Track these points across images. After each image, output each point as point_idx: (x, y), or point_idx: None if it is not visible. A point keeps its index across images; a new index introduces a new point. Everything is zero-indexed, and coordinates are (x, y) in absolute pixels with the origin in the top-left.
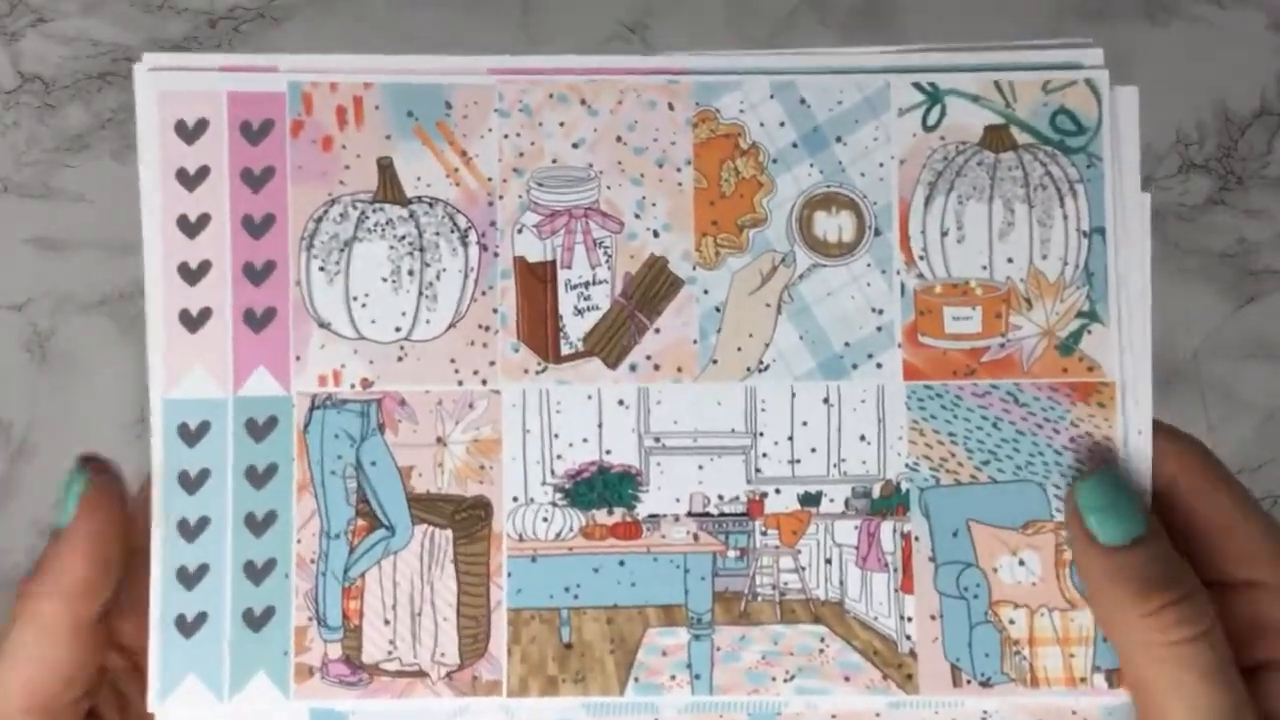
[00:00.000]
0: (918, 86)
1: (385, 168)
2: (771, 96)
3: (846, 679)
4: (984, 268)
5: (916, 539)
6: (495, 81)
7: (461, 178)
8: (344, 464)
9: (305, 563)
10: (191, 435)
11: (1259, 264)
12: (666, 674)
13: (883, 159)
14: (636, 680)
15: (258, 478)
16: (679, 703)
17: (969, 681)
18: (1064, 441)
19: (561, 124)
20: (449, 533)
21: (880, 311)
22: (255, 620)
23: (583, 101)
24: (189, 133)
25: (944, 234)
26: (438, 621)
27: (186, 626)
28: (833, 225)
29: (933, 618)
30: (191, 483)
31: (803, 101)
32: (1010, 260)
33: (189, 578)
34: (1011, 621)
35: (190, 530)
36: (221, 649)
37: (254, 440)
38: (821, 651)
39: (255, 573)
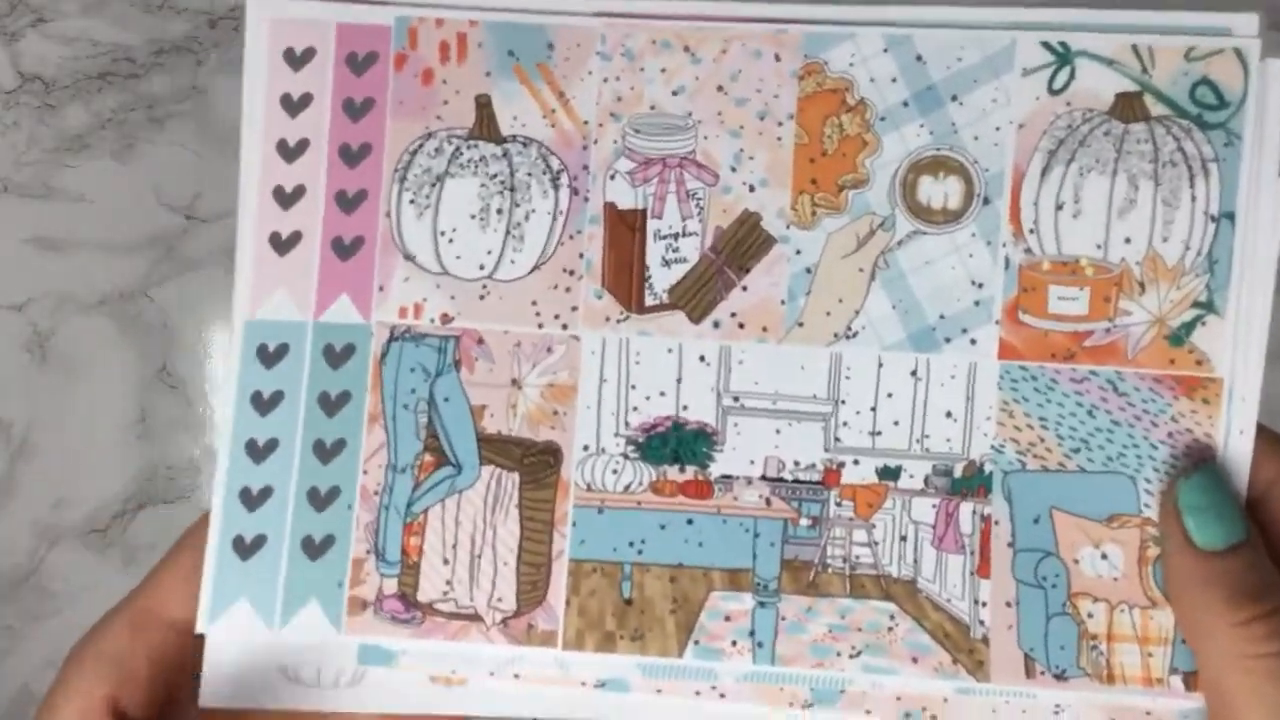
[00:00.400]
0: (1046, 46)
1: (483, 105)
2: (885, 50)
3: (914, 660)
4: (1098, 246)
5: (996, 522)
6: (600, 24)
7: (558, 119)
8: (417, 398)
9: (369, 494)
10: (270, 357)
11: None
12: (728, 639)
13: (1000, 123)
14: (696, 643)
15: (330, 404)
16: (739, 671)
17: (1042, 673)
18: (1161, 436)
19: (663, 70)
20: (516, 476)
21: (980, 285)
22: (314, 548)
23: (686, 48)
24: (296, 60)
25: (1059, 207)
26: (497, 566)
27: (244, 548)
28: (938, 191)
29: (1008, 604)
30: (265, 404)
31: (919, 58)
32: (1128, 240)
33: (251, 499)
34: (1090, 615)
35: (258, 451)
36: (277, 574)
37: (330, 367)
38: (890, 630)
39: (318, 500)
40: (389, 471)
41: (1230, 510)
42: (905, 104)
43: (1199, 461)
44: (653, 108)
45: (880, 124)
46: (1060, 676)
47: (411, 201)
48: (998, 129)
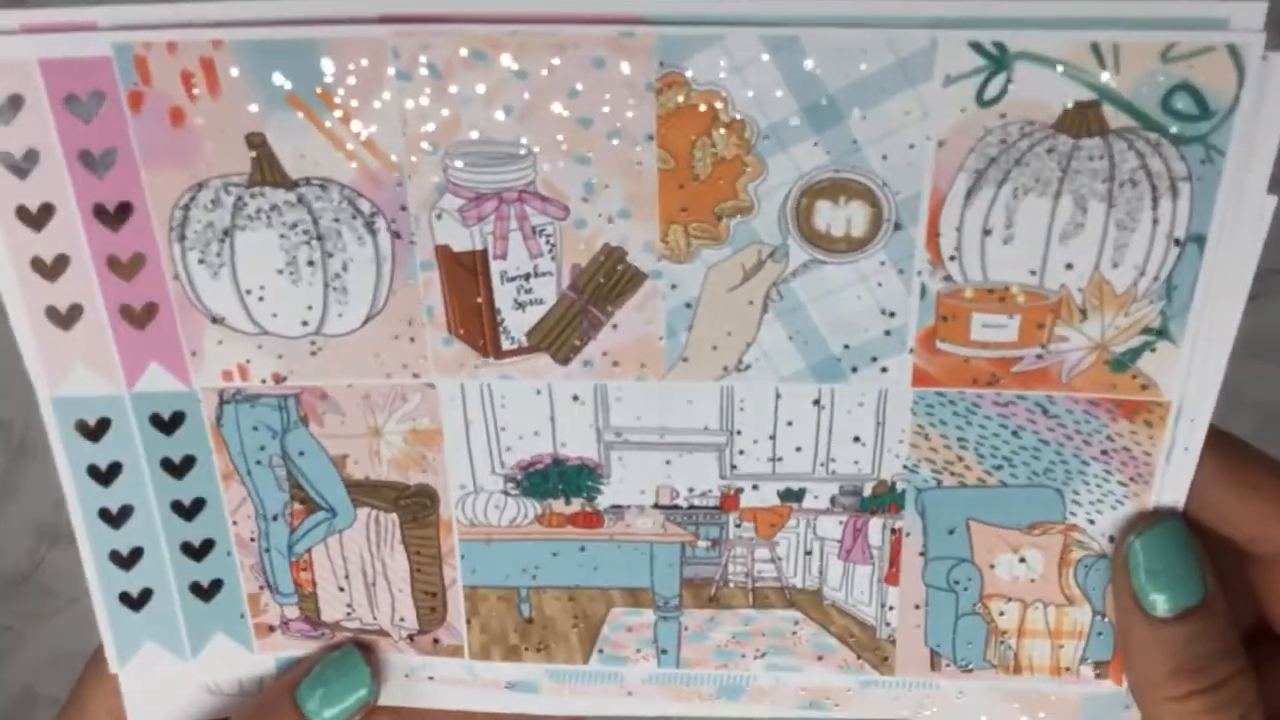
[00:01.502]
0: (977, 48)
1: (258, 145)
2: (764, 55)
3: (819, 658)
4: (1032, 272)
5: (907, 534)
6: (386, 33)
7: (357, 154)
8: (269, 454)
9: (245, 541)
10: (92, 431)
11: (1259, 264)
12: (632, 648)
13: (915, 139)
14: (601, 652)
15: (175, 468)
16: (645, 673)
17: (948, 666)
18: (1094, 453)
19: (481, 88)
20: (394, 516)
21: (892, 315)
22: (204, 592)
23: (506, 59)
24: (3, 111)
25: (987, 232)
26: (393, 592)
27: (133, 601)
28: (839, 217)
29: (916, 607)
30: (104, 475)
31: (809, 64)
32: (1069, 266)
33: (124, 560)
34: (1001, 613)
35: (114, 518)
36: (175, 617)
37: (163, 434)
38: (794, 634)
39: (194, 551)
40: (260, 520)
41: (1185, 572)
42: (795, 119)
43: (1155, 520)
44: (476, 135)
45: (764, 144)
46: (966, 669)
47: (201, 261)
48: (911, 147)
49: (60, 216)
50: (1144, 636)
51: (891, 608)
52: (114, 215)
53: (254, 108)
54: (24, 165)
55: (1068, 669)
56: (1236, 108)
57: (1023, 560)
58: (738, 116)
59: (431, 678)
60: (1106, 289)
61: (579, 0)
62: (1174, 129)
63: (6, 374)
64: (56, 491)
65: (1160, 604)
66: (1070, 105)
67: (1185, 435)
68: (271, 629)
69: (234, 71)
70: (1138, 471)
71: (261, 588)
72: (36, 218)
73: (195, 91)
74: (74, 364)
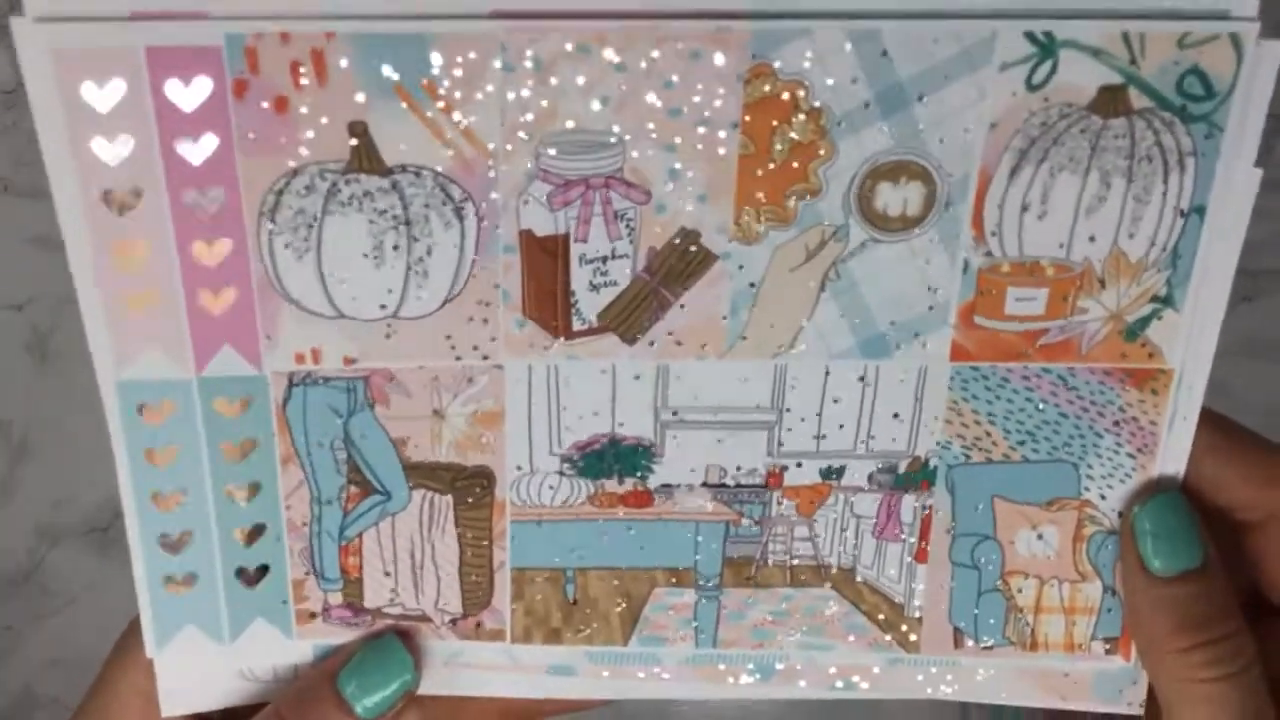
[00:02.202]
0: (1030, 37)
1: (360, 134)
2: (847, 47)
3: (850, 638)
4: (1061, 245)
5: (937, 512)
6: (496, 28)
7: (455, 144)
8: (331, 437)
9: (297, 526)
10: (154, 415)
11: (1259, 264)
12: (672, 628)
13: (970, 123)
14: (641, 634)
15: (235, 452)
16: (682, 655)
17: (969, 643)
18: (1107, 425)
19: (581, 80)
20: (449, 498)
21: (935, 290)
22: (249, 577)
23: (609, 52)
24: (100, 98)
25: (1025, 209)
26: (440, 576)
27: (177, 584)
28: (897, 198)
29: (942, 586)
30: (159, 458)
31: (884, 53)
32: (1092, 239)
33: (172, 545)
34: (1020, 590)
35: (166, 501)
36: (217, 601)
37: (226, 417)
38: (827, 613)
39: (245, 536)
40: (314, 504)
41: (1185, 537)
42: (866, 105)
43: (1159, 488)
44: (571, 125)
45: (837, 129)
46: (985, 647)
47: (287, 245)
48: (966, 131)
49: (148, 200)
50: (1149, 596)
51: (920, 586)
52: (205, 200)
53: (360, 97)
54: (118, 150)
55: (1080, 645)
56: (1235, 88)
57: (1040, 537)
58: (817, 104)
59: (470, 664)
60: (1123, 260)
61: (681, 0)
62: (1185, 107)
63: (6, 374)
64: (56, 491)
65: (1163, 565)
66: (1102, 88)
67: (1185, 404)
68: (313, 616)
69: (343, 62)
70: (1145, 442)
71: (307, 574)
72: (123, 201)
73: (303, 81)
74: (143, 347)
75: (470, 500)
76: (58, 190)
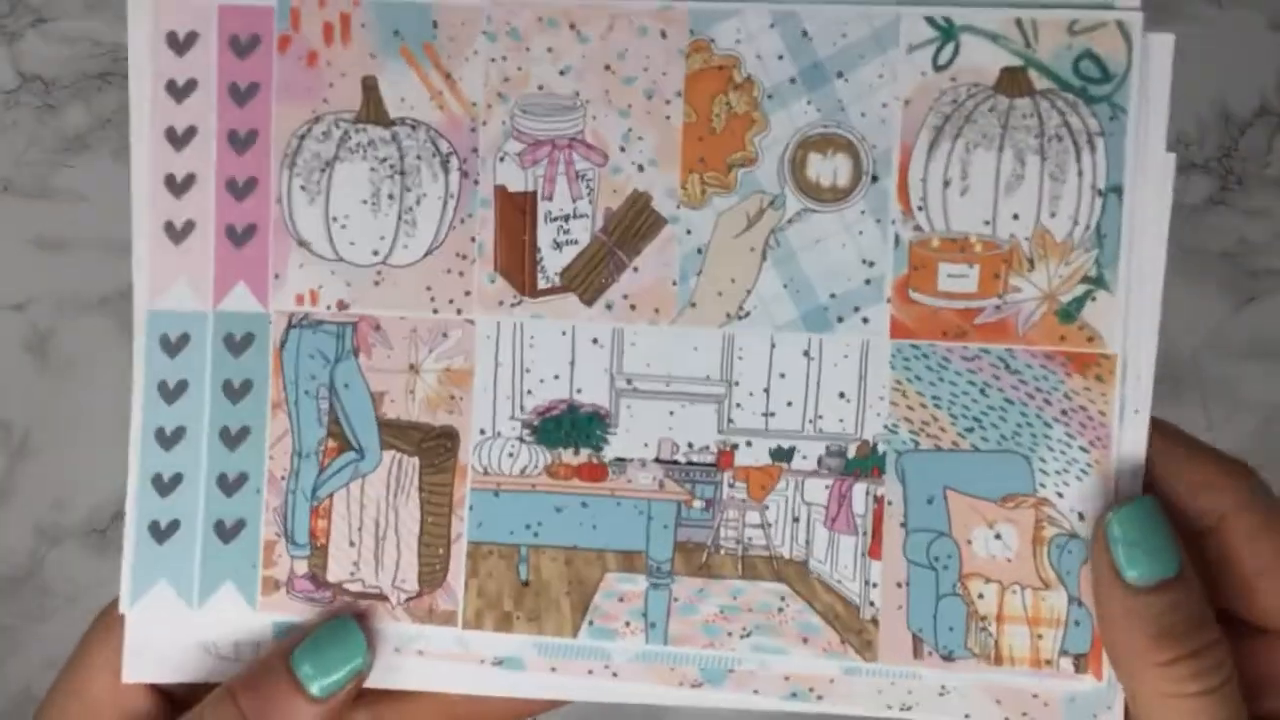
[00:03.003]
0: (930, 21)
1: (370, 88)
2: (772, 26)
3: (804, 640)
4: (986, 223)
5: (889, 503)
6: (485, 2)
7: (445, 101)
8: (317, 384)
9: (276, 479)
10: (172, 347)
11: (1259, 264)
12: (622, 620)
13: (886, 99)
14: (591, 624)
15: (234, 392)
16: (631, 650)
17: (930, 654)
18: (1055, 414)
19: (550, 49)
20: (415, 460)
21: (871, 264)
22: (226, 532)
23: (572, 26)
24: (180, 45)
25: (946, 184)
26: (400, 548)
27: (160, 533)
28: (827, 168)
29: (899, 585)
30: (170, 393)
31: (804, 34)
32: (1016, 216)
33: (164, 485)
34: (980, 596)
35: (166, 439)
36: (193, 557)
37: (232, 355)
38: (781, 610)
39: (227, 485)
40: (294, 457)
41: (1161, 546)
42: (792, 80)
43: (1133, 494)
44: (540, 88)
45: (768, 102)
46: (948, 657)
47: (302, 188)
48: (884, 105)
49: (200, 138)
50: (1124, 607)
51: (875, 585)
52: (243, 140)
53: (373, 56)
54: (183, 91)
55: (1048, 661)
56: (1130, 71)
57: (998, 536)
58: (748, 77)
59: (421, 651)
60: (1048, 238)
61: None
62: (1085, 89)
63: (6, 374)
64: (56, 491)
65: (1139, 575)
66: (1004, 69)
67: (1133, 395)
68: (277, 585)
69: (363, 25)
70: (1096, 435)
71: (278, 535)
72: (181, 139)
73: (332, 39)
74: (176, 279)
75: (435, 463)
76: (136, 122)
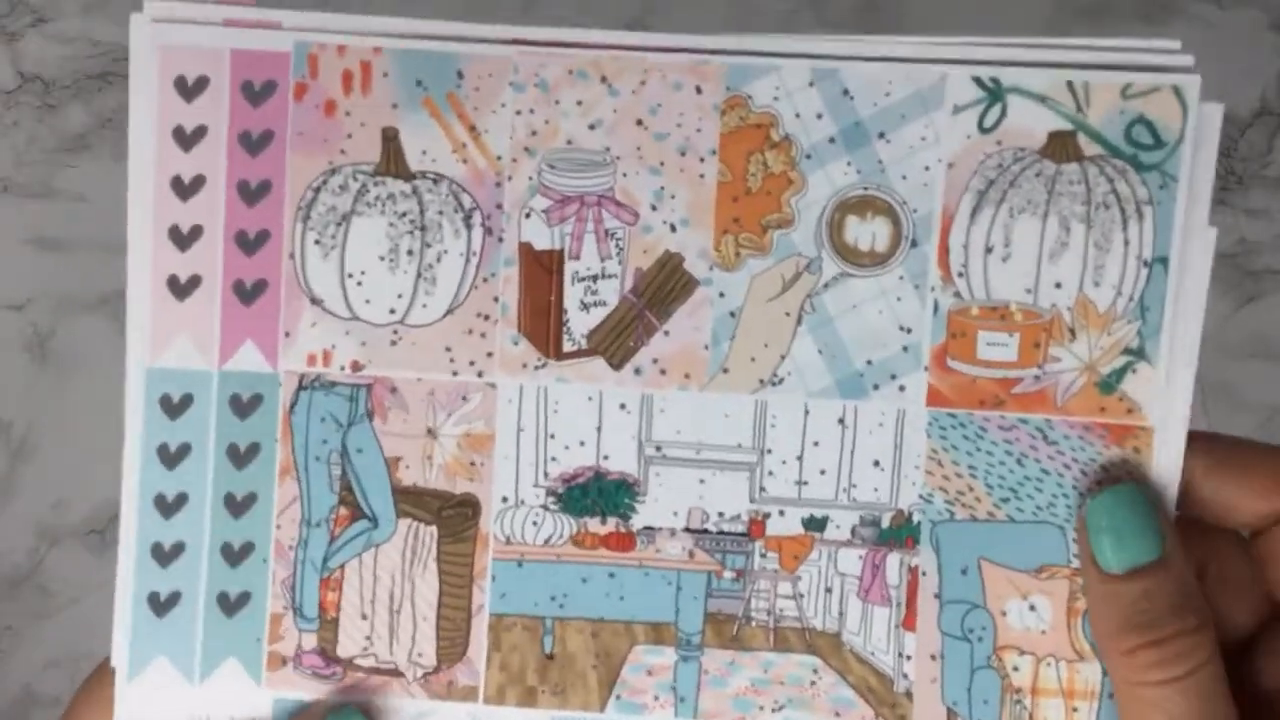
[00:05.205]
0: (978, 81)
1: (390, 139)
2: (811, 84)
3: (837, 715)
4: (1028, 290)
5: (924, 574)
6: (512, 53)
7: (469, 154)
8: (329, 449)
9: (284, 549)
10: (174, 407)
11: (1259, 264)
12: (650, 694)
13: (929, 161)
14: (618, 698)
15: (239, 457)
16: None
17: None
18: (1092, 485)
19: (579, 103)
20: (434, 529)
21: (908, 330)
22: (230, 605)
23: (603, 79)
24: (188, 90)
25: (989, 250)
26: (416, 621)
27: (159, 605)
28: (866, 232)
29: (933, 658)
30: (171, 457)
31: (845, 92)
32: (1058, 285)
33: (164, 555)
34: (1015, 669)
35: (167, 506)
36: (194, 632)
37: (238, 417)
38: (813, 684)
39: (232, 555)
40: (303, 526)
41: (1136, 533)
42: (831, 140)
43: (1112, 480)
44: (569, 142)
45: (806, 162)
46: None
47: (316, 242)
48: (926, 168)
49: (208, 189)
50: (1099, 592)
51: (909, 657)
52: (255, 191)
53: (394, 106)
54: (191, 139)
55: None
56: (1184, 139)
57: (1033, 608)
58: (786, 136)
59: None
60: (1090, 308)
61: (666, 36)
62: (1136, 156)
63: (6, 374)
64: (56, 491)
65: (1111, 561)
66: (1052, 133)
67: (1165, 466)
68: (284, 661)
69: (385, 74)
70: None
71: (286, 608)
72: (188, 189)
73: (351, 88)
74: (177, 336)
75: (455, 533)
76: (134, 171)
